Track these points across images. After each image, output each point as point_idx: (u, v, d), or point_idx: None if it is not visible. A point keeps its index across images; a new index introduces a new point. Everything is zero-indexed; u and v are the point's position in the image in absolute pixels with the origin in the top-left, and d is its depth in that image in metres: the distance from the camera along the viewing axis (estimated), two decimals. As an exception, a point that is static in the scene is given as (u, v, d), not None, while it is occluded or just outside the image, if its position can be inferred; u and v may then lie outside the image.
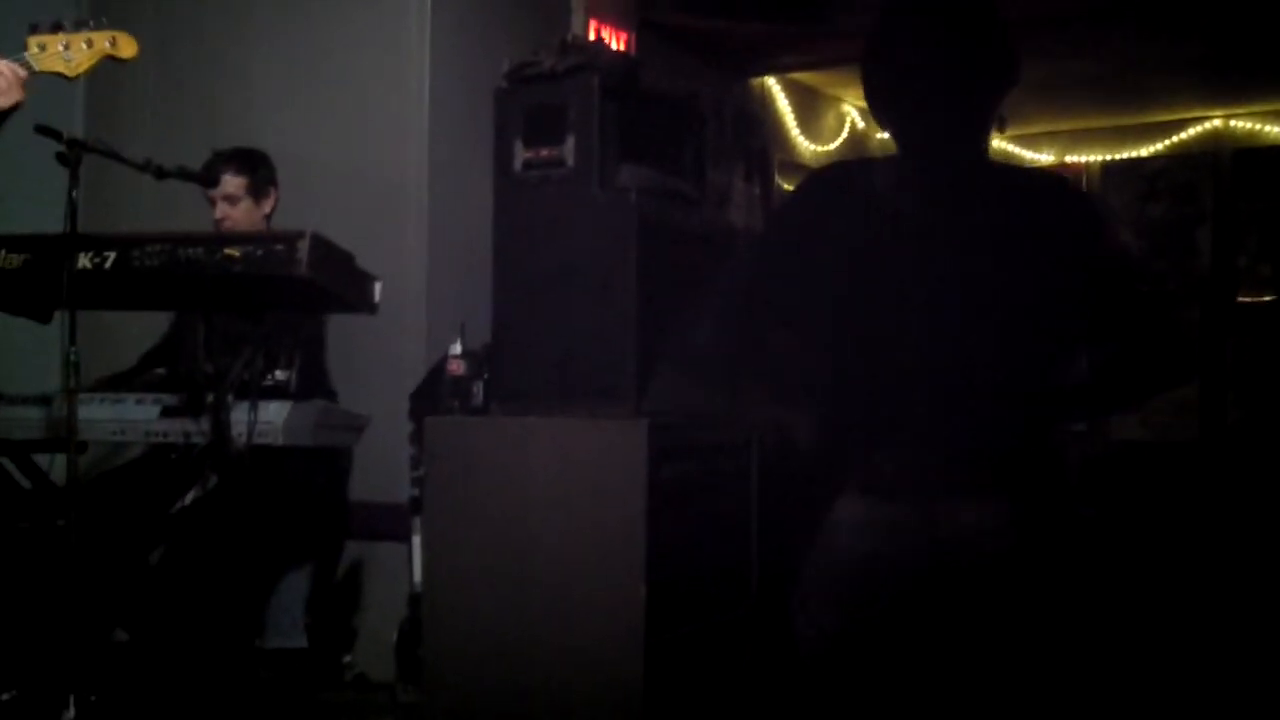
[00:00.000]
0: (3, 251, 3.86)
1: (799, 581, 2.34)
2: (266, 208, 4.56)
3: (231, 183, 4.48)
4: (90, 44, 3.37)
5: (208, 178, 4.10)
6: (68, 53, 3.35)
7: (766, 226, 2.47)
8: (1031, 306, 2.22)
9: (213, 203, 4.49)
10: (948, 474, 2.21)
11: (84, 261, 3.72)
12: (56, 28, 3.36)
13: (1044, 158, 8.90)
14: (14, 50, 3.31)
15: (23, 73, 3.29)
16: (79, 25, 3.39)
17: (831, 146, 7.93)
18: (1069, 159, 8.81)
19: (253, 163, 4.55)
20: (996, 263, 2.22)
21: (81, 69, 3.38)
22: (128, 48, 3.43)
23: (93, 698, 3.53)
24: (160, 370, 4.38)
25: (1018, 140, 8.94)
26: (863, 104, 7.91)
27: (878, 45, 2.33)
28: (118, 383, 4.37)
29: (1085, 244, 2.26)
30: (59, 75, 3.36)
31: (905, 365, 2.23)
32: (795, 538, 2.35)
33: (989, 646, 2.22)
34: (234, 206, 4.49)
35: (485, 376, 4.08)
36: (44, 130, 3.59)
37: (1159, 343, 2.31)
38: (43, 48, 3.33)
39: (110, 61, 3.43)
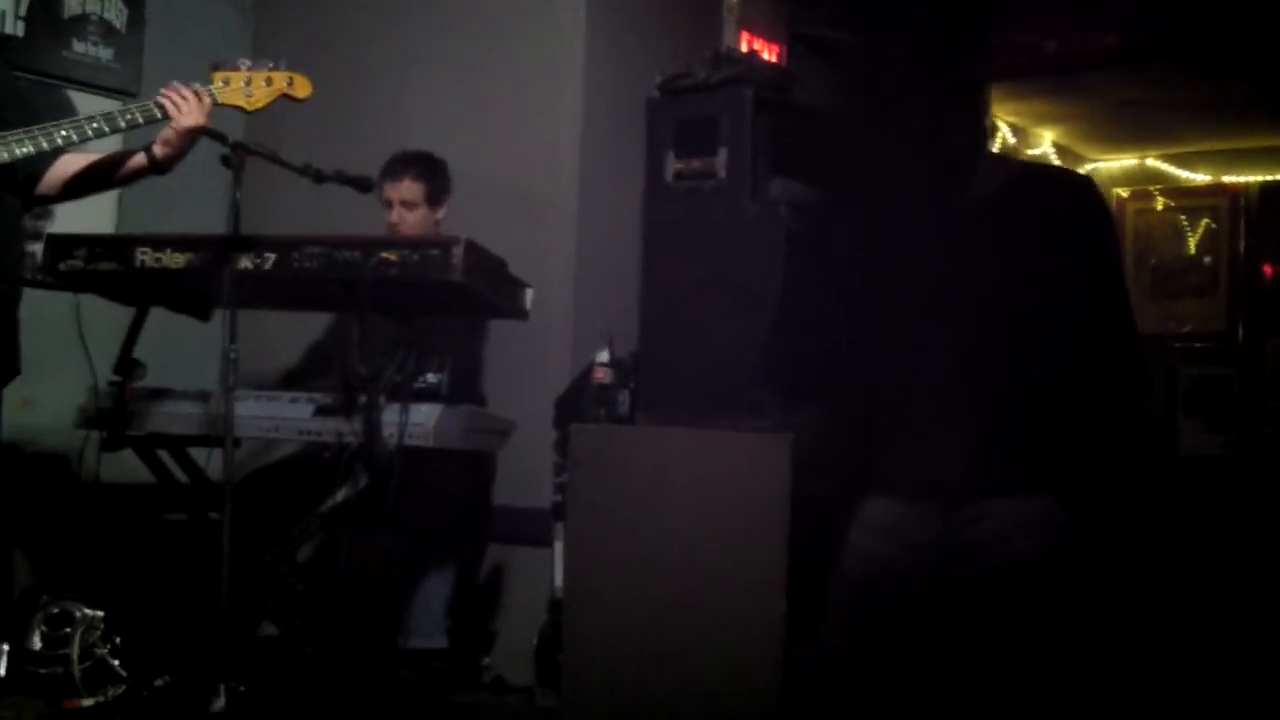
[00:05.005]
0: (167, 251, 3.99)
1: (827, 589, 2.35)
2: (440, 215, 4.57)
3: (411, 188, 4.51)
4: (270, 82, 3.59)
5: (365, 183, 4.14)
6: (248, 88, 3.57)
7: (788, 247, 2.56)
8: (1042, 305, 2.23)
9: (389, 206, 4.51)
10: (971, 474, 2.23)
11: (245, 262, 3.83)
12: (240, 66, 3.58)
13: (1199, 177, 8.69)
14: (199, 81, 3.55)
15: (206, 100, 3.50)
16: (260, 64, 3.59)
17: (981, 162, 7.81)
18: (1226, 179, 8.58)
19: (433, 169, 4.57)
20: (1007, 260, 2.24)
21: (259, 104, 3.60)
22: (303, 89, 3.65)
23: (241, 688, 3.62)
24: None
25: (1172, 159, 8.74)
26: (1014, 119, 7.87)
27: (872, 56, 2.38)
28: (291, 381, 4.49)
29: (1090, 252, 2.28)
30: (238, 108, 3.58)
31: (921, 367, 2.26)
32: (820, 547, 2.37)
33: (1017, 651, 2.21)
34: (410, 212, 4.51)
35: (631, 385, 4.09)
36: (210, 133, 3.71)
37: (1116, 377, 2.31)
38: (226, 82, 3.56)
39: (286, 99, 3.62)
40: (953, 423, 2.24)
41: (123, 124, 3.46)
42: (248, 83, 3.55)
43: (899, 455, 2.28)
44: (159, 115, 3.46)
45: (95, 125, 3.41)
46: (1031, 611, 2.21)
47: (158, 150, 3.52)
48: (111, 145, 3.80)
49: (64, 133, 3.37)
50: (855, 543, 2.31)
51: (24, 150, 3.32)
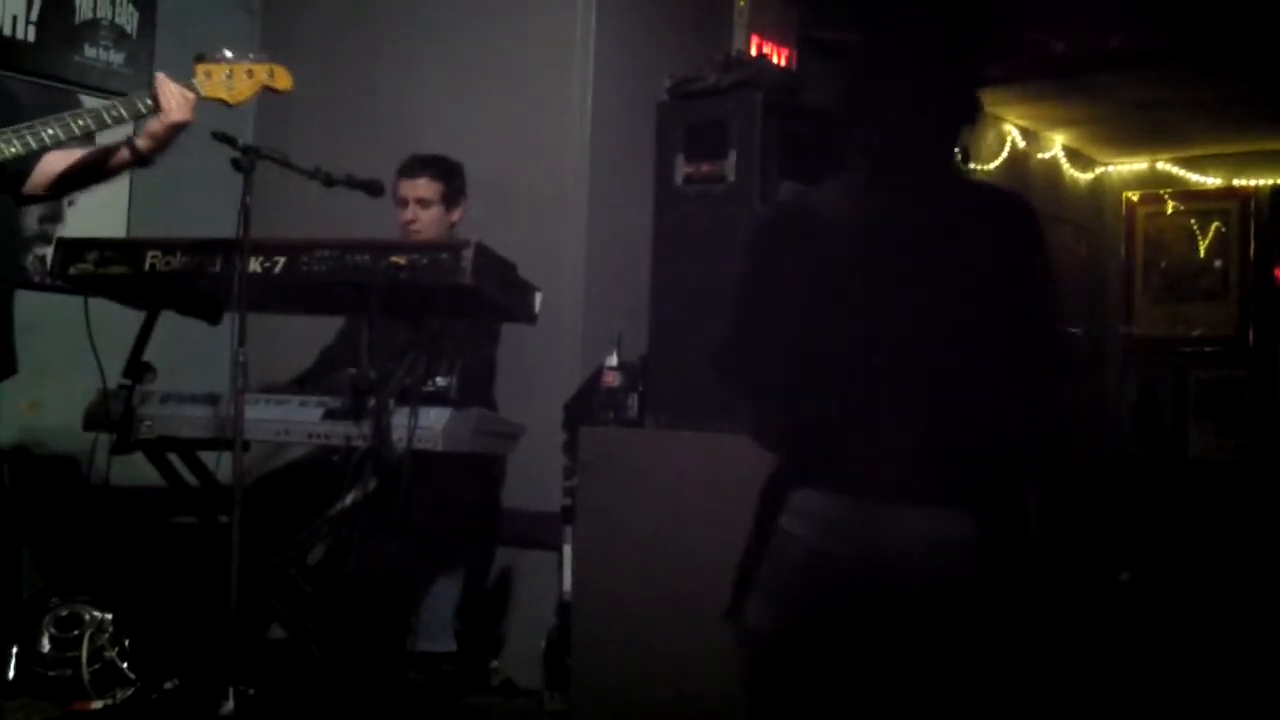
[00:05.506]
0: (177, 254, 3.99)
1: (753, 575, 2.36)
2: (455, 217, 4.61)
3: (428, 187, 4.56)
4: (251, 74, 3.61)
5: (375, 186, 4.15)
6: (230, 81, 3.59)
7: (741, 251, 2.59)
8: (986, 321, 2.28)
9: (404, 204, 4.56)
10: (903, 477, 2.24)
11: (254, 265, 3.83)
12: (221, 58, 3.60)
13: (1210, 180, 8.67)
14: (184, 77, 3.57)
15: (191, 96, 3.52)
16: (241, 56, 3.62)
17: (991, 166, 7.81)
18: (1236, 182, 8.56)
19: (449, 171, 4.62)
20: (955, 272, 2.28)
21: (242, 98, 3.63)
22: (283, 80, 3.68)
23: (250, 691, 3.62)
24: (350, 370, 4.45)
25: (1182, 163, 8.72)
26: (1024, 123, 7.86)
27: (873, 55, 2.43)
28: (302, 382, 4.49)
29: (1018, 269, 2.33)
30: (220, 102, 3.60)
31: (872, 369, 2.28)
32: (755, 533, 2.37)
33: (926, 659, 2.22)
34: (425, 210, 4.56)
35: (640, 389, 4.09)
36: (221, 137, 3.73)
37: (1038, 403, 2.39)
38: (208, 75, 3.58)
39: (268, 92, 3.66)
40: (890, 425, 2.26)
41: (109, 120, 3.48)
42: (229, 75, 3.57)
43: (835, 449, 2.30)
44: (144, 111, 3.50)
45: (81, 123, 3.42)
46: (947, 624, 2.21)
47: (142, 144, 3.56)
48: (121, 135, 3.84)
49: (50, 131, 3.38)
50: (785, 527, 2.32)
51: (12, 150, 3.34)
